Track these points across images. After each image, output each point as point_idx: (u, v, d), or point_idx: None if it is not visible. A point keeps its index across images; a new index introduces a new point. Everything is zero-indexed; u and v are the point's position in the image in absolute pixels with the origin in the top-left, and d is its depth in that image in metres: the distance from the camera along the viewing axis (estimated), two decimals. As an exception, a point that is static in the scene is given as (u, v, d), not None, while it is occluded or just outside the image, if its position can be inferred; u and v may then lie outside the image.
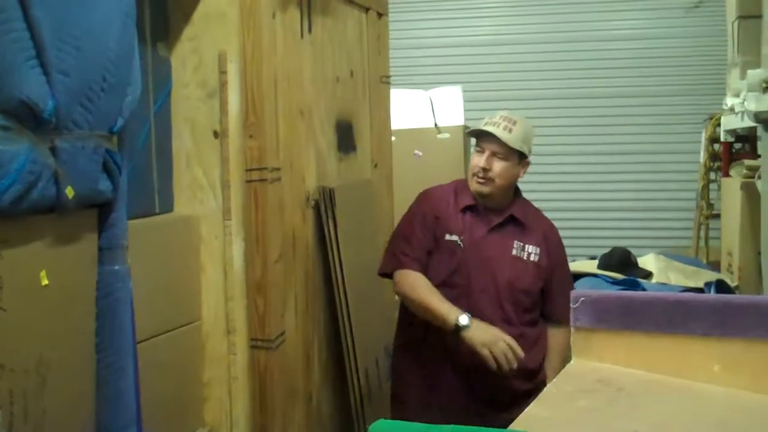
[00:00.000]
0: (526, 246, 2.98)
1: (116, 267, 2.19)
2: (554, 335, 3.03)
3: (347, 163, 3.48)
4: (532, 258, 2.98)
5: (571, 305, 2.27)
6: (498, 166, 2.91)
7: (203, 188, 2.71)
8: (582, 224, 7.04)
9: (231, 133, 2.67)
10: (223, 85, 2.66)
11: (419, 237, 2.99)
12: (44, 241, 1.96)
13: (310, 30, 3.13)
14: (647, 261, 4.30)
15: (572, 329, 1.99)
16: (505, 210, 3.00)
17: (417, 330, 2.98)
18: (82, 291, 2.11)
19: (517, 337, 2.83)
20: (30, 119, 1.82)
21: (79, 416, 2.09)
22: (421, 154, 4.69)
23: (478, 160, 2.94)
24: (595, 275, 4.00)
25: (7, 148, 1.75)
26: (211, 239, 2.71)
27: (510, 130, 2.91)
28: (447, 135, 5.35)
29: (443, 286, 2.92)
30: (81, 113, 1.98)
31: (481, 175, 2.92)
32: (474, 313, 2.82)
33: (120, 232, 2.21)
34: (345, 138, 3.46)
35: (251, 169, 2.71)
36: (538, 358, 3.00)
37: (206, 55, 2.68)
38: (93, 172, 2.06)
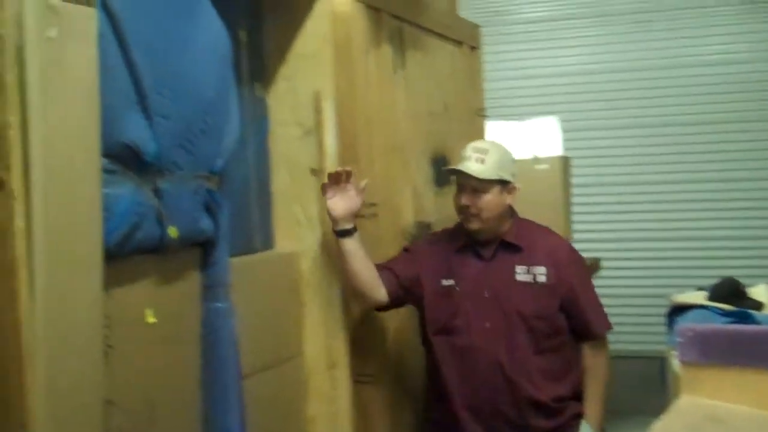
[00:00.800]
0: (531, 268, 2.79)
1: (219, 304, 2.24)
2: (590, 357, 2.84)
3: (444, 198, 3.48)
4: (539, 279, 2.78)
5: (678, 339, 2.20)
6: (479, 201, 2.75)
7: (302, 225, 2.75)
8: (688, 254, 6.85)
9: (328, 170, 2.70)
10: (318, 123, 2.70)
11: (400, 266, 2.85)
12: (150, 280, 2.02)
13: (403, 66, 3.15)
14: (759, 292, 4.15)
15: (679, 366, 1.92)
16: (500, 236, 2.83)
17: (439, 383, 2.86)
18: (186, 328, 2.16)
19: (542, 369, 2.74)
20: (133, 162, 1.88)
21: (186, 452, 2.13)
22: (519, 184, 4.67)
23: (458, 199, 2.81)
24: (704, 307, 3.87)
25: (113, 191, 1.81)
26: (311, 275, 2.74)
27: (482, 161, 2.75)
28: (545, 166, 5.30)
29: (443, 333, 2.80)
30: (182, 155, 2.04)
31: (465, 213, 2.79)
32: (482, 354, 2.73)
33: (222, 270, 2.26)
34: (441, 172, 3.46)
35: (348, 206, 2.74)
36: (569, 387, 2.81)
37: (302, 93, 2.73)
38: (195, 211, 2.11)
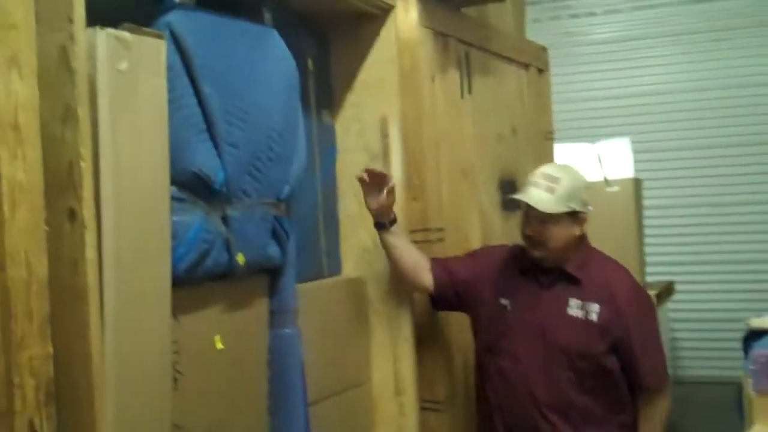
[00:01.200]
0: (585, 303, 2.58)
1: (287, 330, 2.26)
2: (645, 403, 2.63)
3: (512, 221, 3.46)
4: (591, 317, 2.56)
5: (751, 367, 2.13)
6: (546, 232, 2.56)
7: (369, 250, 2.76)
8: (765, 277, 6.68)
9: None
10: (385, 148, 2.72)
11: (459, 265, 2.77)
12: (218, 307, 2.05)
13: (470, 90, 3.15)
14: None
15: (753, 394, 1.84)
16: (561, 265, 2.62)
17: (484, 400, 2.76)
18: (254, 354, 2.18)
19: (582, 408, 2.57)
20: (202, 190, 1.92)
21: (254, 477, 2.15)
22: (590, 208, 4.61)
23: (525, 227, 2.62)
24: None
25: (182, 219, 1.85)
26: (378, 300, 2.75)
27: (552, 190, 2.53)
28: (616, 188, 5.24)
29: (489, 352, 2.69)
30: (250, 183, 2.07)
31: (529, 242, 2.61)
32: (522, 382, 2.60)
33: (290, 296, 2.28)
34: (509, 196, 3.44)
35: (415, 230, 2.74)
36: (603, 429, 2.61)
37: (368, 120, 2.75)
38: (262, 238, 2.14)
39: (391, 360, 2.72)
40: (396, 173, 2.71)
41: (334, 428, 2.52)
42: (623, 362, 2.58)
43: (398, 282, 2.74)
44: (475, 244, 3.09)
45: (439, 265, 2.73)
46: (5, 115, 1.41)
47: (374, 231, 2.69)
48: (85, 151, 1.52)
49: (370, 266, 2.75)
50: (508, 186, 3.42)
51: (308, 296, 2.41)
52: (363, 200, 2.61)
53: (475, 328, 2.79)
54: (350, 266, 2.77)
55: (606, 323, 2.55)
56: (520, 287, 2.69)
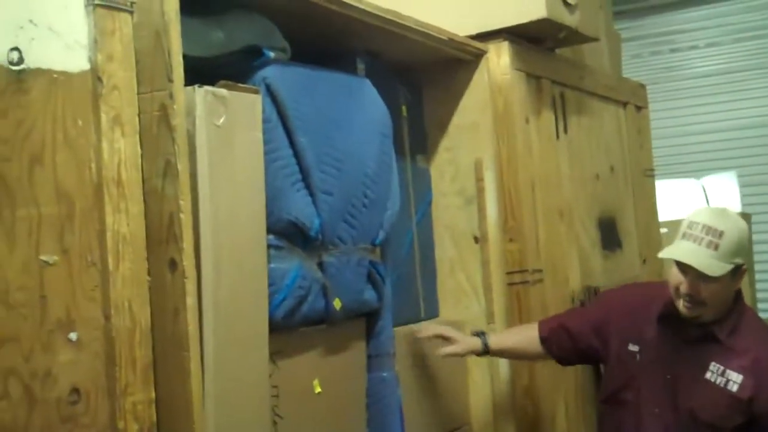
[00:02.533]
0: (727, 371, 2.30)
1: (384, 374, 2.28)
2: None
3: (613, 261, 3.42)
4: (729, 386, 2.28)
5: None
6: (706, 290, 2.25)
7: (467, 293, 2.77)
8: None
9: (491, 237, 2.72)
10: (480, 191, 2.73)
11: (575, 320, 2.60)
12: (316, 351, 2.09)
13: (566, 130, 3.15)
14: None
15: None
16: (710, 324, 2.34)
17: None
18: (352, 398, 2.21)
19: None
20: (298, 238, 1.97)
21: None
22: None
23: (679, 282, 2.29)
24: None
25: (279, 266, 1.90)
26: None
27: (716, 246, 2.22)
28: (724, 224, 5.11)
29: (610, 401, 2.49)
30: (345, 229, 2.11)
31: (687, 300, 2.29)
32: None
33: (387, 340, 2.31)
34: (609, 235, 3.41)
35: (512, 272, 2.74)
36: None
37: (463, 163, 2.78)
38: (358, 283, 2.18)
39: (489, 404, 2.72)
40: (491, 215, 2.73)
41: (434, 471, 2.53)
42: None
43: None
44: (575, 284, 3.07)
45: (546, 326, 2.60)
46: (109, 171, 1.49)
47: (471, 273, 2.72)
48: (185, 204, 1.58)
49: (467, 309, 2.76)
50: (608, 224, 3.39)
51: (406, 339, 2.44)
52: (458, 243, 2.64)
53: (604, 379, 2.64)
54: (448, 309, 2.79)
55: (746, 398, 2.28)
56: (654, 334, 2.44)
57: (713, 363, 2.32)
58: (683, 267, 2.28)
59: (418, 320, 2.66)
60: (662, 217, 4.05)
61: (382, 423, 2.25)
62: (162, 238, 1.58)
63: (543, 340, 2.57)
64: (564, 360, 2.64)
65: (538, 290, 2.81)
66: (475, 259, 2.76)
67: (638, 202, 3.71)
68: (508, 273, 2.75)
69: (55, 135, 1.44)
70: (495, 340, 2.59)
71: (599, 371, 3.07)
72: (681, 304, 2.32)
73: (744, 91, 6.84)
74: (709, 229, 2.25)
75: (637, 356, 2.44)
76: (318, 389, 2.07)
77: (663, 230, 4.02)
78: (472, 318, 2.74)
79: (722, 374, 2.31)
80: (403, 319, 2.51)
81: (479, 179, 2.75)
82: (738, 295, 2.39)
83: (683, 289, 2.29)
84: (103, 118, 1.50)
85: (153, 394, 1.53)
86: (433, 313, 2.75)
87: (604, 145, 3.47)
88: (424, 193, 2.77)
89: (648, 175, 3.83)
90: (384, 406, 2.26)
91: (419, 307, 2.69)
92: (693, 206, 5.11)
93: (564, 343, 2.57)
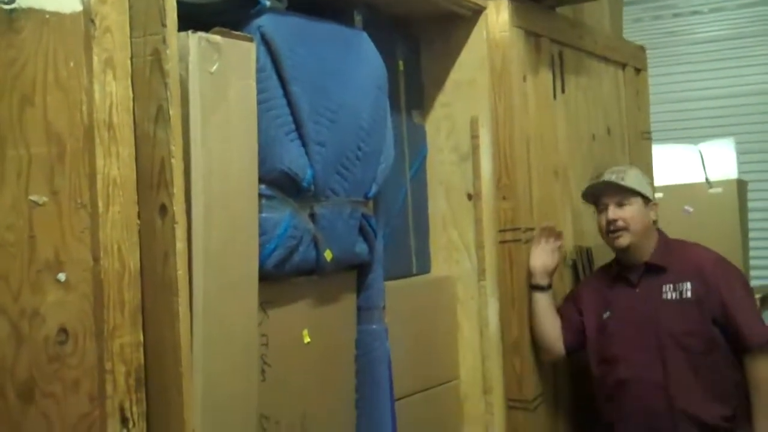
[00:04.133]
0: (677, 285, 2.73)
1: (374, 326, 2.30)
2: (752, 370, 2.67)
3: (607, 222, 3.43)
4: (686, 295, 2.71)
5: None
6: (625, 212, 2.76)
7: (458, 249, 2.78)
8: None
9: (484, 195, 2.73)
10: (475, 148, 2.73)
11: (575, 319, 2.89)
12: (306, 302, 2.10)
13: (563, 90, 3.14)
14: None
15: None
16: (647, 260, 2.79)
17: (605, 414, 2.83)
18: (341, 349, 2.23)
19: (703, 388, 2.64)
20: (291, 188, 1.97)
21: (340, 469, 2.19)
22: (691, 210, 4.51)
23: (603, 217, 2.81)
24: None
25: (271, 216, 1.91)
26: (467, 299, 2.77)
27: (621, 179, 2.78)
28: (719, 190, 5.10)
29: (604, 363, 2.80)
30: (337, 181, 2.12)
31: (612, 228, 2.77)
32: (643, 383, 2.69)
33: (377, 293, 2.32)
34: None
35: (505, 230, 2.75)
36: (735, 407, 2.67)
37: (459, 120, 2.78)
38: (350, 236, 2.18)
39: (479, 358, 2.74)
40: (485, 173, 2.73)
41: (421, 424, 2.55)
42: (725, 329, 2.68)
43: (534, 342, 2.84)
44: (568, 244, 3.08)
45: (569, 331, 2.85)
46: (100, 114, 1.48)
47: (464, 229, 2.73)
48: (177, 149, 1.58)
49: (458, 265, 2.77)
50: (602, 186, 3.39)
51: (396, 294, 2.45)
52: (451, 200, 2.68)
53: (588, 350, 2.87)
54: (439, 265, 2.80)
55: (701, 297, 2.68)
56: (615, 295, 2.83)
57: (664, 286, 2.74)
58: (602, 202, 2.81)
59: (409, 275, 2.67)
60: (658, 181, 4.05)
61: (370, 375, 2.27)
62: (153, 183, 1.58)
63: (567, 348, 2.86)
64: (570, 350, 2.89)
65: (530, 249, 2.81)
66: (468, 216, 2.76)
67: (634, 164, 3.70)
68: (501, 231, 2.75)
69: (47, 76, 1.43)
70: (549, 303, 2.84)
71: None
72: (611, 240, 2.79)
73: (745, 58, 6.79)
74: (612, 171, 2.84)
75: (611, 317, 2.80)
76: (307, 339, 2.08)
77: (658, 195, 4.02)
78: (463, 274, 2.76)
79: (674, 289, 2.73)
80: (394, 274, 2.52)
81: (474, 136, 2.74)
82: (659, 230, 2.87)
83: (607, 216, 2.77)
84: (95, 60, 1.49)
85: (141, 337, 1.54)
86: (424, 269, 2.76)
87: (602, 106, 3.46)
88: (418, 149, 2.77)
89: (645, 137, 3.83)
90: (373, 358, 2.28)
91: (411, 262, 2.70)
92: (689, 172, 5.15)
93: (575, 342, 2.87)
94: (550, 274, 2.81)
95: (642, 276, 2.79)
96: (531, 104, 2.88)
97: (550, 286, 2.81)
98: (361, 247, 2.23)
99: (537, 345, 2.82)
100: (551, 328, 2.82)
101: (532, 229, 2.82)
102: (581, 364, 3.01)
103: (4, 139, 1.38)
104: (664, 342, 2.68)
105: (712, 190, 5.09)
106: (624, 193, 2.77)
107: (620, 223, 2.75)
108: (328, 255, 2.09)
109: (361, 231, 2.23)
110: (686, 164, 5.19)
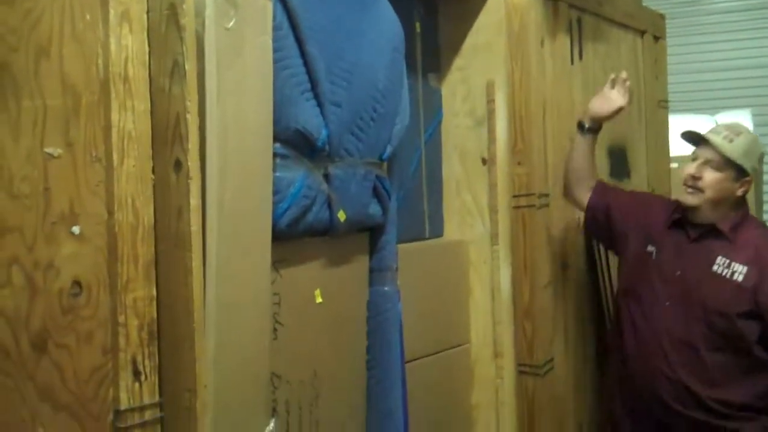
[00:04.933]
0: (732, 263, 2.55)
1: (386, 288, 2.30)
2: None
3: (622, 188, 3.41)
4: (736, 277, 2.53)
5: None
6: (709, 176, 2.56)
7: (472, 214, 2.78)
8: None
9: (499, 160, 2.72)
10: (490, 113, 2.72)
11: (620, 201, 2.85)
12: (318, 262, 2.10)
13: (581, 56, 3.11)
14: None
15: None
16: (714, 222, 2.62)
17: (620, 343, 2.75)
18: (353, 310, 2.23)
19: (712, 367, 2.53)
20: (305, 148, 1.97)
21: (350, 429, 2.20)
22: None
23: (689, 168, 2.62)
24: None
25: (285, 175, 1.90)
26: (479, 264, 2.77)
27: (730, 140, 2.56)
28: (735, 161, 5.08)
29: (628, 295, 2.72)
30: (352, 142, 2.11)
31: (689, 183, 2.60)
32: (657, 327, 2.61)
33: (390, 255, 2.32)
34: (618, 163, 3.39)
35: (519, 195, 2.74)
36: (746, 396, 2.54)
37: (475, 84, 2.76)
38: (364, 197, 2.18)
39: (490, 323, 2.75)
40: (501, 137, 2.72)
41: (432, 386, 2.56)
42: (764, 327, 2.52)
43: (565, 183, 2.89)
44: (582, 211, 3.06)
45: (601, 190, 2.83)
46: (116, 67, 1.48)
47: (477, 194, 2.73)
48: (192, 105, 1.57)
49: (472, 229, 2.77)
50: (618, 153, 3.38)
51: (409, 257, 2.45)
52: (466, 164, 2.66)
53: (619, 271, 2.85)
54: (453, 228, 2.80)
55: (750, 287, 2.52)
56: (667, 237, 2.70)
57: (719, 257, 2.58)
58: (697, 153, 2.62)
59: (422, 238, 2.67)
60: (673, 152, 4.02)
61: (381, 336, 2.27)
62: (167, 138, 1.58)
63: (590, 200, 2.84)
64: (589, 228, 2.95)
65: (544, 215, 2.81)
66: (482, 180, 2.76)
67: (650, 133, 3.68)
68: (515, 196, 2.75)
69: (63, 27, 1.43)
70: (592, 146, 2.85)
71: (600, 298, 3.11)
72: (683, 192, 2.64)
73: (765, 29, 6.74)
74: (728, 128, 2.64)
75: (653, 255, 2.70)
76: (319, 299, 2.09)
77: (673, 165, 3.99)
78: (476, 238, 2.76)
79: (728, 266, 2.56)
80: (407, 236, 2.52)
81: (490, 101, 2.73)
82: (742, 201, 2.65)
83: (689, 170, 2.61)
84: (111, 13, 1.48)
85: (154, 292, 1.55)
86: (437, 232, 2.76)
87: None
88: (434, 112, 2.76)
89: (662, 106, 3.80)
90: (384, 319, 2.28)
91: (424, 225, 2.70)
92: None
93: (599, 220, 2.84)
94: (601, 118, 2.79)
95: (701, 236, 2.63)
96: (548, 70, 2.86)
97: (591, 131, 2.79)
98: (375, 209, 2.23)
99: (565, 184, 2.88)
100: (582, 171, 2.82)
101: (546, 195, 2.81)
102: (590, 331, 3.02)
103: (20, 90, 1.38)
104: (692, 309, 2.58)
105: (727, 162, 5.04)
106: (720, 157, 2.56)
107: (698, 183, 2.58)
108: (341, 216, 2.08)
109: (375, 192, 2.22)
110: (702, 135, 5.15)
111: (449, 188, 2.80)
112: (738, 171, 2.56)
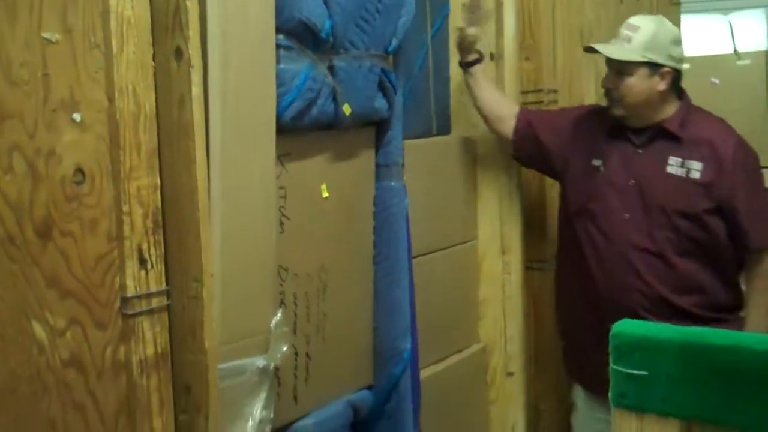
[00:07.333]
0: (686, 161, 2.41)
1: (392, 183, 2.29)
2: (754, 270, 2.46)
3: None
4: (692, 175, 2.39)
5: None
6: (622, 84, 2.40)
7: (479, 110, 2.75)
8: None
9: (507, 54, 2.67)
10: (498, 6, 2.66)
11: (545, 123, 2.64)
12: (324, 156, 2.09)
13: (592, -51, 3.04)
14: None
15: None
16: (660, 122, 2.44)
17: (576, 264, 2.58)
18: (360, 204, 2.23)
19: (683, 272, 2.41)
20: (309, 39, 1.93)
21: (357, 321, 2.22)
22: (718, 81, 4.42)
23: (603, 80, 2.49)
24: None
25: (289, 67, 1.87)
26: (486, 161, 2.75)
27: (629, 40, 2.39)
28: (748, 61, 4.99)
29: (580, 214, 2.52)
30: (357, 33, 2.07)
31: (607, 96, 2.47)
32: (620, 242, 2.44)
33: (396, 150, 2.30)
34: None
35: (527, 91, 2.71)
36: (719, 299, 2.46)
37: (483, -23, 2.70)
38: (369, 90, 2.15)
39: (497, 220, 2.74)
40: (509, 32, 2.67)
41: (439, 282, 2.57)
42: (728, 223, 2.43)
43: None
44: (590, 108, 3.03)
45: (524, 117, 2.64)
46: (114, -49, 1.45)
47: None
48: (192, -8, 1.55)
49: (478, 127, 2.74)
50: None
51: (416, 153, 2.43)
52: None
53: (563, 193, 2.65)
54: (460, 126, 2.76)
55: (709, 181, 2.39)
56: (611, 147, 2.52)
57: (671, 157, 2.43)
58: (607, 65, 2.46)
59: (429, 135, 2.64)
60: (686, 53, 3.96)
61: (388, 230, 2.27)
62: (168, 26, 1.56)
63: (515, 130, 2.63)
64: (522, 159, 2.72)
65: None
66: (490, 76, 2.71)
67: (658, 17, 3.61)
68: (523, 92, 2.72)
69: None
70: (482, 78, 2.63)
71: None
72: (607, 103, 2.48)
73: (782, -76, 6.56)
74: (628, 26, 2.44)
75: (600, 168, 2.51)
76: (326, 194, 2.08)
77: (685, 66, 3.93)
78: (483, 135, 2.73)
79: (682, 165, 2.42)
80: (414, 133, 2.49)
81: (499, -7, 2.68)
82: (677, 93, 2.49)
83: (604, 83, 2.47)
84: None
85: (158, 180, 1.54)
86: (444, 130, 2.73)
87: (631, -32, 3.36)
88: (441, 7, 2.70)
89: (674, 3, 3.73)
90: (390, 215, 2.27)
91: (431, 122, 2.67)
92: (718, 43, 5.04)
93: (529, 147, 2.64)
94: (472, 46, 2.59)
95: (650, 139, 2.47)
96: (558, -38, 2.80)
97: (469, 64, 2.62)
98: (381, 103, 2.20)
99: (485, 121, 2.69)
100: (492, 105, 2.64)
101: (555, 91, 2.78)
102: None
103: (15, -27, 1.35)
104: (653, 215, 2.44)
105: (740, 62, 4.97)
106: (620, 62, 2.42)
107: (614, 94, 2.44)
108: (346, 109, 2.06)
109: (381, 86, 2.19)
110: (715, 35, 5.07)
111: (457, 85, 2.76)
112: (650, 66, 2.40)
